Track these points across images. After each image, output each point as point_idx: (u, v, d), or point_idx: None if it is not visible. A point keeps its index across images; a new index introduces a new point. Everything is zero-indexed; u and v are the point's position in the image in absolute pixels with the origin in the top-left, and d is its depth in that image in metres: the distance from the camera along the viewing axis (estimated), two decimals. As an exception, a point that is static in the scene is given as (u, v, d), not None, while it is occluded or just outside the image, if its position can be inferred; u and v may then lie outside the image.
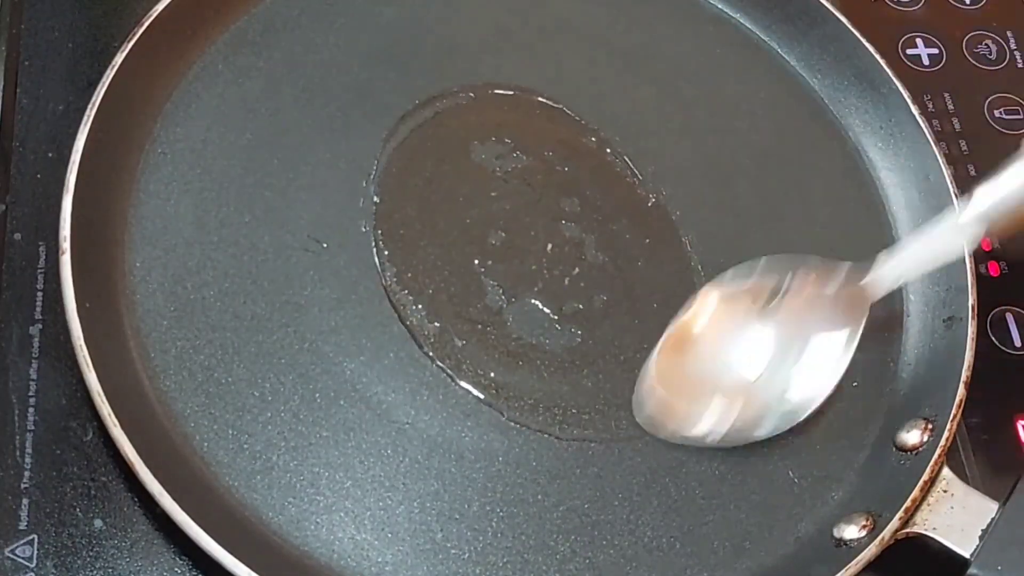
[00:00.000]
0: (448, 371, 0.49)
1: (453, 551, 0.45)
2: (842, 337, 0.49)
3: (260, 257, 0.50)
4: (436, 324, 0.50)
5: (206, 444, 0.46)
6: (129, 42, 0.50)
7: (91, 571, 0.45)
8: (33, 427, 0.47)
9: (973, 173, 0.60)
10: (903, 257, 0.49)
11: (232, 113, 0.53)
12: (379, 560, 0.45)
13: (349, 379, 0.48)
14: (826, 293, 0.49)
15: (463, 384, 0.49)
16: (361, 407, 0.47)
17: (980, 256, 0.58)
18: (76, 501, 0.46)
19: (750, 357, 0.50)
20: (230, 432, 0.46)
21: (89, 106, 0.48)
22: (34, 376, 0.48)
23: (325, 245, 0.50)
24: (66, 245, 0.45)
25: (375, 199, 0.52)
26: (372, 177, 0.53)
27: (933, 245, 0.49)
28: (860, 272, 0.50)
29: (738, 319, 0.50)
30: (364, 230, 0.51)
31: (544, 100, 0.57)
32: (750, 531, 0.48)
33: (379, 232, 0.51)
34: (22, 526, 0.45)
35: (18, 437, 0.46)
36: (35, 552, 0.44)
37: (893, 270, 0.49)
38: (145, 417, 0.45)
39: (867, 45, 0.57)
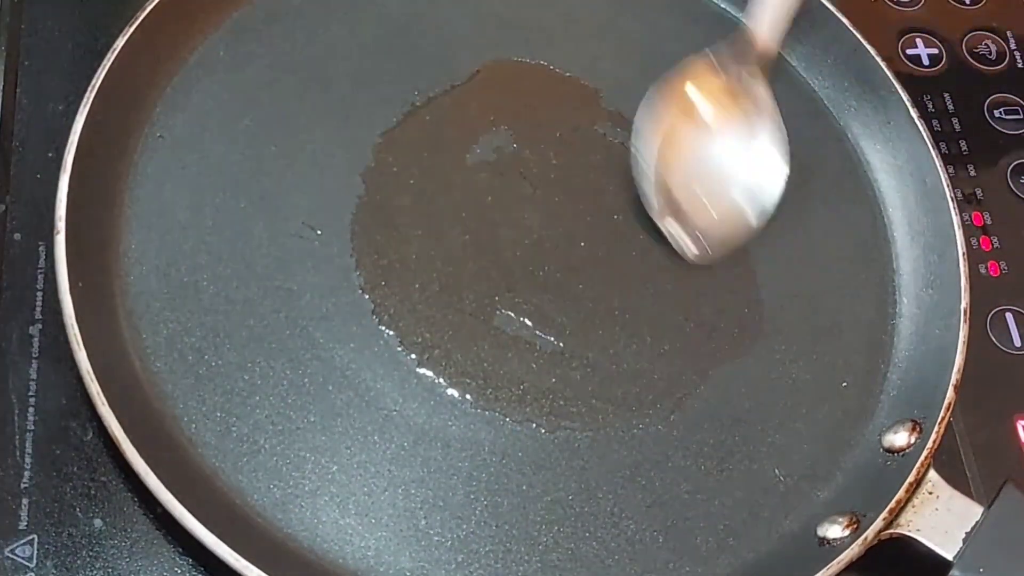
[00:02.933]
0: (436, 361, 0.49)
1: (436, 538, 0.46)
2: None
3: (254, 242, 0.50)
4: (426, 314, 0.50)
5: (194, 425, 0.46)
6: (131, 25, 0.50)
7: (91, 571, 0.45)
8: (33, 427, 0.47)
9: (973, 173, 0.60)
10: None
11: (232, 100, 0.53)
12: (362, 545, 0.45)
13: (338, 366, 0.48)
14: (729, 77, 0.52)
15: (451, 374, 0.49)
16: (349, 393, 0.48)
17: (980, 256, 0.58)
18: (76, 501, 0.46)
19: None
20: (218, 414, 0.46)
21: (89, 88, 0.49)
22: (34, 376, 0.48)
23: (319, 232, 0.51)
24: (61, 225, 0.46)
25: (370, 188, 0.52)
26: (368, 166, 0.53)
27: None
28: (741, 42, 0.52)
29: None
30: (358, 218, 0.51)
31: (545, 92, 0.57)
32: (734, 527, 0.48)
33: (372, 221, 0.51)
34: (22, 526, 0.45)
35: (18, 437, 0.46)
36: (35, 552, 0.44)
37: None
38: (134, 397, 0.45)
39: (867, 47, 0.57)
